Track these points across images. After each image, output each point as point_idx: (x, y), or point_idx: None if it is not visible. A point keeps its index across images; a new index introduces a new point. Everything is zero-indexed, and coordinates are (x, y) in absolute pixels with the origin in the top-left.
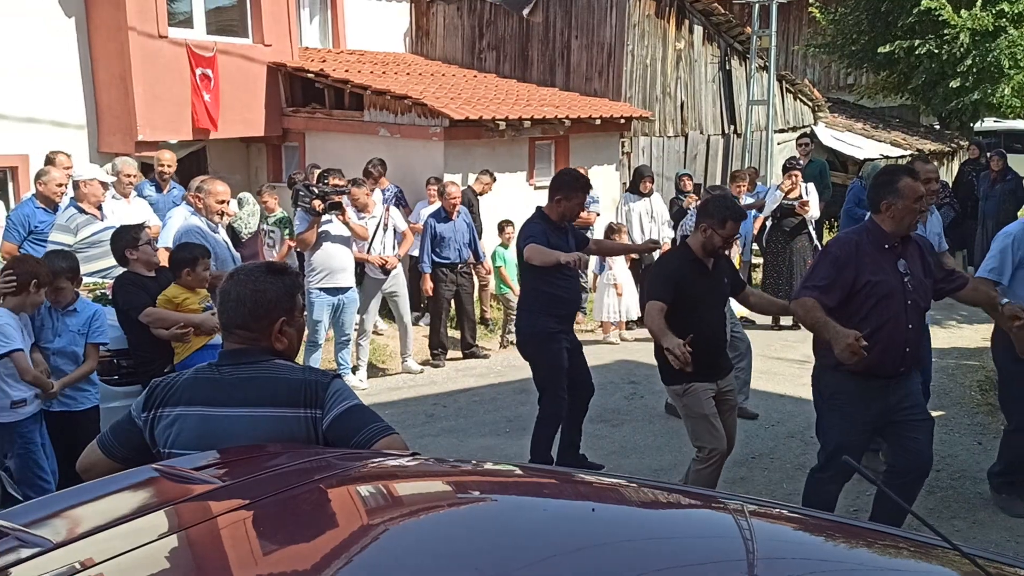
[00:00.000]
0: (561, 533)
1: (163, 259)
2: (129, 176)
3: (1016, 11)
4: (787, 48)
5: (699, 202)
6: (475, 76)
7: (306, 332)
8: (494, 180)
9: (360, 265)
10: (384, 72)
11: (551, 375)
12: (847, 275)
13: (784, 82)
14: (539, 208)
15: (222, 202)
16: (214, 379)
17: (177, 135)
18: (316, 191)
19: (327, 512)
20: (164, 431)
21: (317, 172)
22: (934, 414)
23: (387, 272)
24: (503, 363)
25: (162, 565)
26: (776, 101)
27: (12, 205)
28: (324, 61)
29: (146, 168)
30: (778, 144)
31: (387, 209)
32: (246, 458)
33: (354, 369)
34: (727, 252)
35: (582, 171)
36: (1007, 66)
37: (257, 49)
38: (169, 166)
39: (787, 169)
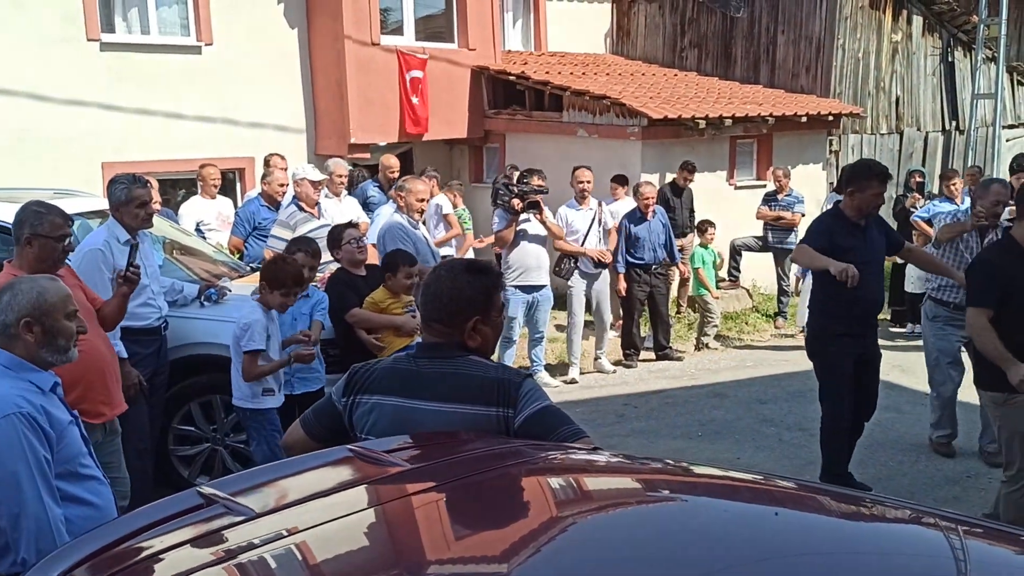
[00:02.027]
0: (737, 537)
1: (372, 255)
2: (341, 176)
3: None
4: (1019, 37)
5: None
6: (675, 75)
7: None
8: (690, 172)
9: (572, 260)
10: (584, 73)
11: (826, 377)
12: None
13: (1015, 74)
14: (836, 203)
15: (422, 200)
16: (411, 371)
17: (386, 138)
18: (515, 190)
19: (511, 499)
20: (362, 418)
21: (517, 172)
22: None
23: (599, 266)
24: (697, 366)
25: (350, 541)
26: (1005, 95)
27: (239, 203)
28: (525, 63)
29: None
30: (1007, 141)
31: (600, 204)
32: (435, 443)
33: (567, 368)
34: None
35: (782, 172)
36: None
37: (462, 53)
38: (393, 172)
39: (1015, 170)
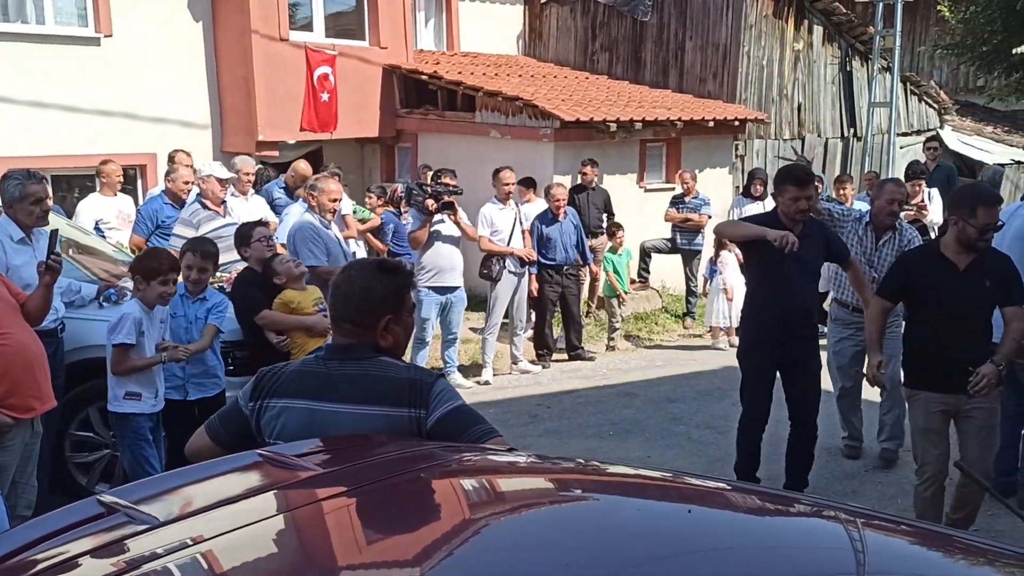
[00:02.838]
0: (650, 534)
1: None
2: (248, 175)
3: None
4: (912, 49)
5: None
6: (587, 78)
7: (414, 330)
8: (583, 165)
9: (501, 261)
10: (496, 74)
11: (746, 381)
12: None
13: (908, 84)
14: (775, 207)
15: (335, 200)
16: (320, 373)
17: (295, 135)
18: (429, 190)
19: (424, 502)
20: (270, 422)
21: (430, 172)
22: None
23: (524, 264)
24: (608, 366)
25: (260, 549)
26: (899, 103)
27: (140, 201)
28: (438, 63)
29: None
30: (901, 148)
31: (517, 204)
32: (347, 447)
33: (480, 369)
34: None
35: (689, 175)
36: None
37: (373, 51)
38: (303, 177)
39: (910, 176)
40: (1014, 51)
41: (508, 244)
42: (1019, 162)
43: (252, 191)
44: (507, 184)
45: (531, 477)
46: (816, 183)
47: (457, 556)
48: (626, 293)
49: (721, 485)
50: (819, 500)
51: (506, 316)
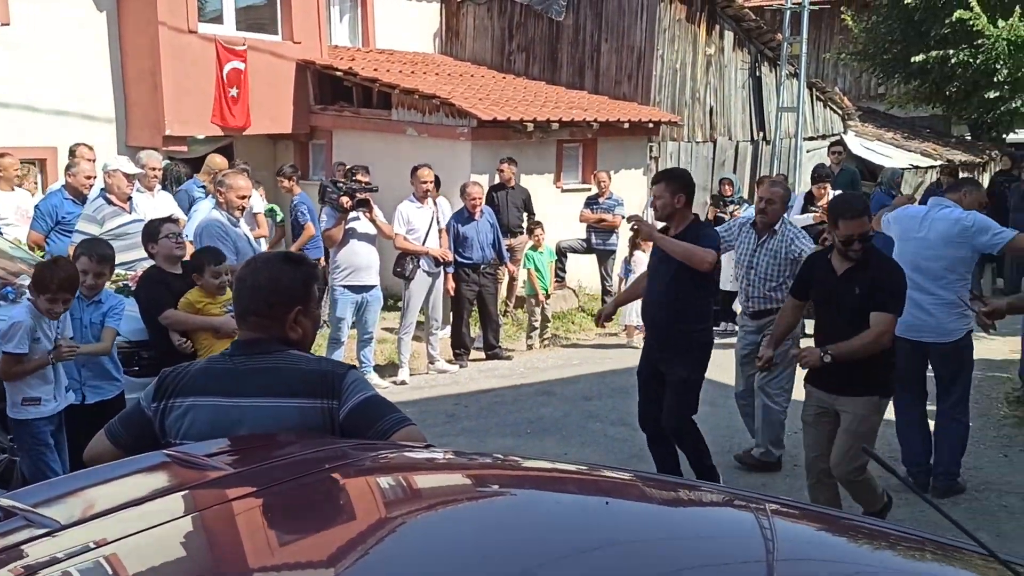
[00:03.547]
0: (569, 528)
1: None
2: (155, 170)
3: None
4: (818, 56)
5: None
6: (504, 78)
7: (329, 329)
8: (502, 162)
9: (415, 260)
10: (413, 72)
11: None
12: None
13: (814, 90)
14: None
15: (243, 197)
16: (228, 369)
17: (204, 130)
18: (343, 187)
19: (337, 501)
20: (176, 422)
21: (345, 169)
22: None
23: (439, 264)
24: (526, 365)
25: (167, 551)
26: (806, 109)
27: (40, 195)
28: (353, 60)
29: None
30: (807, 152)
31: (435, 203)
32: (257, 446)
33: (396, 369)
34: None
35: (605, 175)
36: None
37: (286, 46)
38: (221, 171)
39: (817, 179)
40: (912, 60)
41: (424, 243)
42: (917, 167)
43: (159, 187)
44: (425, 182)
45: (447, 473)
46: (666, 182)
47: (372, 555)
48: (545, 292)
49: (636, 477)
50: (731, 490)
51: (423, 315)
